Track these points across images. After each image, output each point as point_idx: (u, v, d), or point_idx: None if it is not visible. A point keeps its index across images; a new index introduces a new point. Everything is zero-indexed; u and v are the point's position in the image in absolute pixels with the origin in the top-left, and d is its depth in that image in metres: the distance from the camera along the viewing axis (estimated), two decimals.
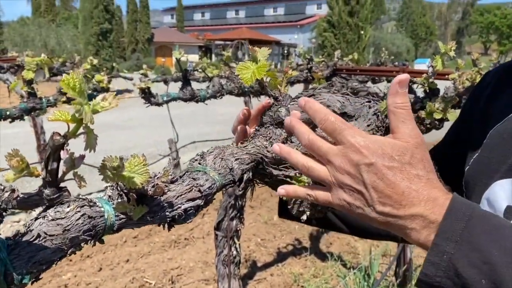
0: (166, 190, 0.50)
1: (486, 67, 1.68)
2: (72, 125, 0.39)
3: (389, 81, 3.02)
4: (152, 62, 29.75)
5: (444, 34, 61.59)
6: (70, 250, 0.42)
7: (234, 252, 2.01)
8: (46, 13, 36.85)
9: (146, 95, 2.16)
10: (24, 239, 0.39)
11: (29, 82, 1.80)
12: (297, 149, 0.60)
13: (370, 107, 0.72)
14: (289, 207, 0.79)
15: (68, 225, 0.41)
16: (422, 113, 1.22)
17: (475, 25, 62.16)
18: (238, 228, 1.99)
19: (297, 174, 0.65)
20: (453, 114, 1.17)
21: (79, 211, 0.43)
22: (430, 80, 1.35)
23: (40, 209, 0.43)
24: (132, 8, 38.47)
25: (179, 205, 0.51)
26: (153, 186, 0.47)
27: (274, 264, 3.39)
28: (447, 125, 1.05)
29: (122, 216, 0.46)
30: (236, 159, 0.61)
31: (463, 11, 62.07)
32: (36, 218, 0.42)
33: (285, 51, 36.80)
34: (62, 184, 0.43)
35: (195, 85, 2.46)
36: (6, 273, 0.37)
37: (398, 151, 0.50)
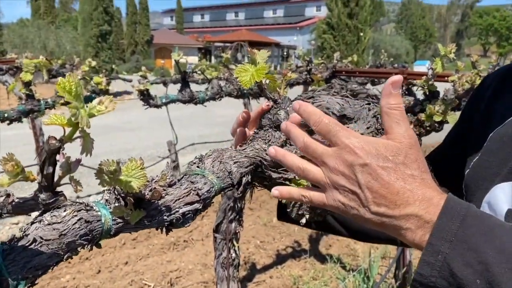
0: (164, 194, 0.50)
1: (486, 69, 1.68)
2: (68, 129, 0.38)
3: None
4: (151, 64, 29.78)
5: (444, 36, 61.75)
6: (66, 255, 0.41)
7: (233, 255, 2.00)
8: (45, 15, 36.82)
9: (145, 97, 2.16)
10: (20, 244, 0.39)
11: (27, 84, 1.80)
12: (295, 152, 0.60)
13: (369, 110, 0.71)
14: (288, 210, 0.79)
15: (64, 230, 0.41)
16: (422, 116, 1.22)
17: (474, 27, 62.40)
18: (237, 230, 1.99)
19: (296, 177, 0.65)
20: (453, 117, 1.16)
21: (75, 216, 0.42)
22: (430, 82, 1.35)
23: (36, 213, 0.43)
24: (132, 10, 38.52)
25: (177, 209, 0.50)
26: (150, 190, 0.47)
27: (274, 267, 3.38)
28: (447, 128, 1.05)
29: (119, 220, 0.45)
30: (235, 162, 0.61)
31: (463, 13, 62.28)
32: (32, 223, 0.41)
33: (285, 53, 36.89)
34: (58, 189, 0.42)
35: (194, 87, 2.46)
36: (1, 278, 0.37)
37: (392, 152, 0.50)
